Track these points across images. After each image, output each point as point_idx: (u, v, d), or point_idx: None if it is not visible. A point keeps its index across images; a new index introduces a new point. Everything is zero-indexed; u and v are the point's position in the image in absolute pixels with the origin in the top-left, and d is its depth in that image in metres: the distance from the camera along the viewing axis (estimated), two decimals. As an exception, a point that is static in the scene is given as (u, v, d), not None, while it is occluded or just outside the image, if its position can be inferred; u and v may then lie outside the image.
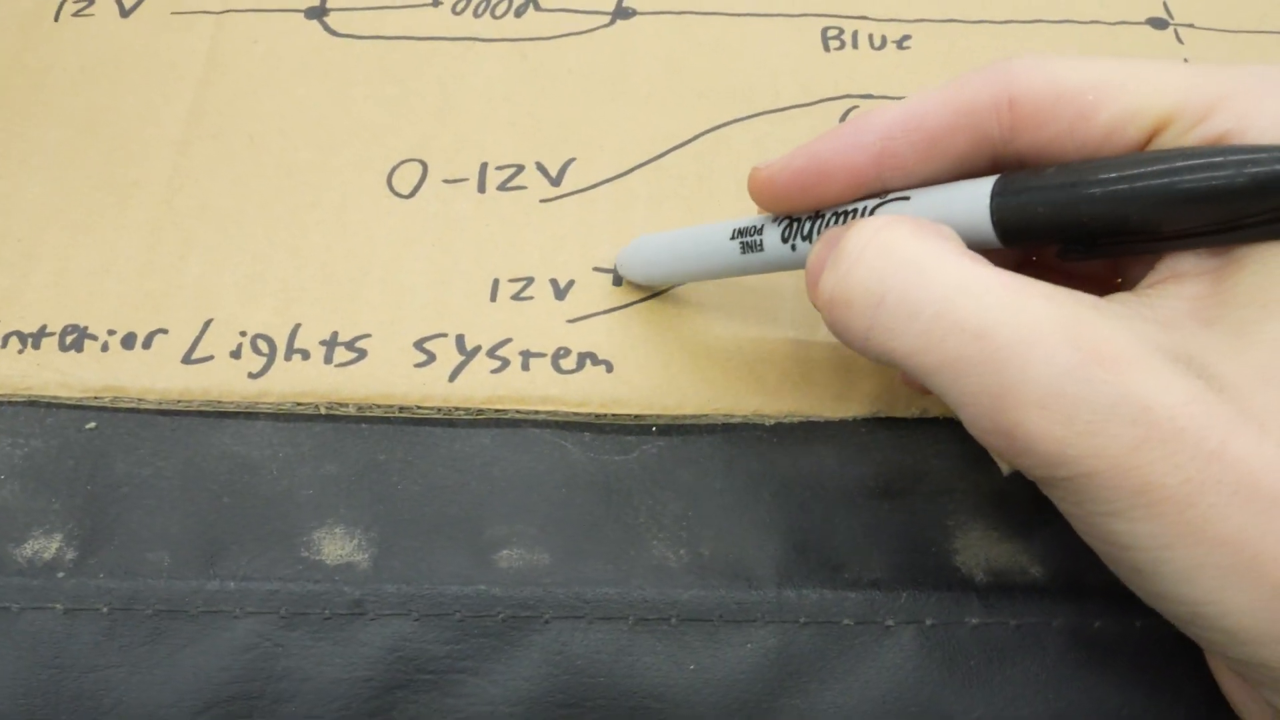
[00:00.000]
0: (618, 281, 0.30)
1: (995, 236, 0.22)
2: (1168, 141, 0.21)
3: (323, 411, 0.28)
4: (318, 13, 0.37)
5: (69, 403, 0.28)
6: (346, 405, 0.28)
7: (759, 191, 0.25)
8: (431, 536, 0.26)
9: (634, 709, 0.24)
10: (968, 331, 0.20)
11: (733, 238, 0.27)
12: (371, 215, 0.32)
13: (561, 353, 0.29)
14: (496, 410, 0.28)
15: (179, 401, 0.28)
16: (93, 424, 0.28)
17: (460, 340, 0.29)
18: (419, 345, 0.29)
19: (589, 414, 0.28)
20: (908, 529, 0.26)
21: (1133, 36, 0.37)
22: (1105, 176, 0.21)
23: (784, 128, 0.34)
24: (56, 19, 0.37)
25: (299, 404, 0.28)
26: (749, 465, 0.27)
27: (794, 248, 0.25)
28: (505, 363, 0.29)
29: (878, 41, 0.36)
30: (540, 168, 0.33)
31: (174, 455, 0.28)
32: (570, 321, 0.30)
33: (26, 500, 0.27)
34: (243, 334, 0.29)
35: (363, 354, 0.29)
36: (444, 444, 0.28)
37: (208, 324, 0.30)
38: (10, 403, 0.28)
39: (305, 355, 0.29)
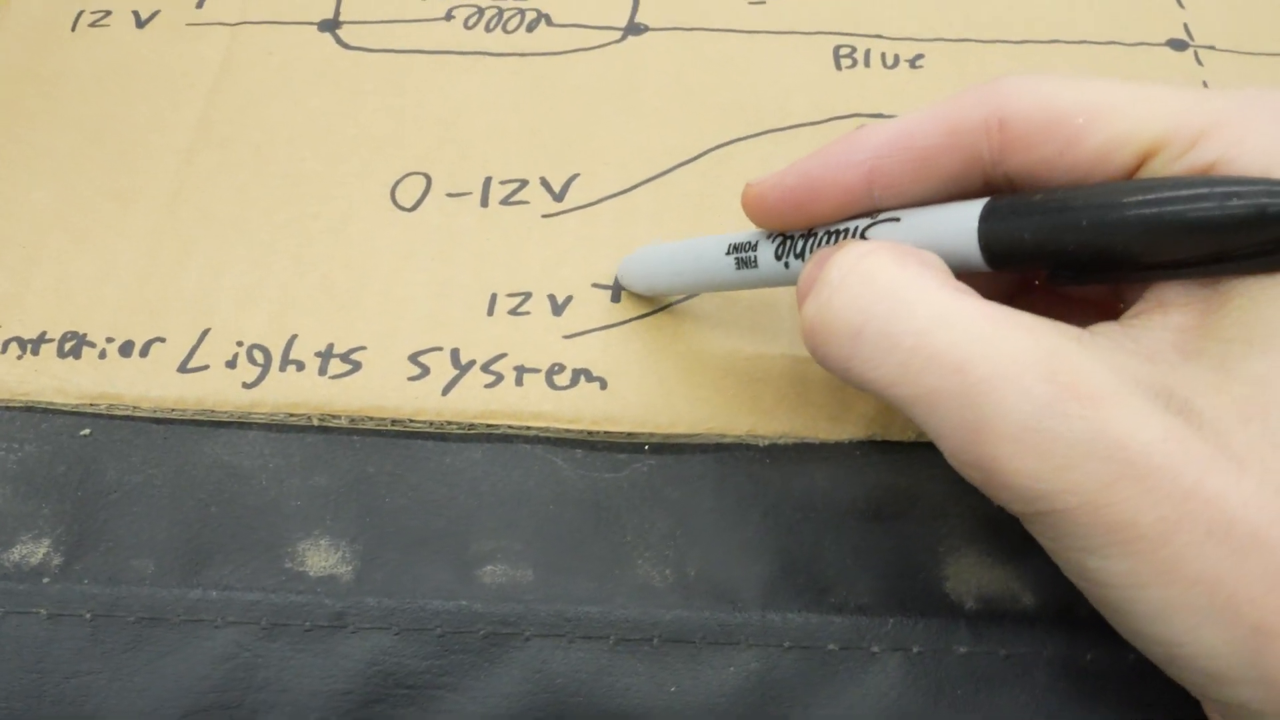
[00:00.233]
0: (616, 298, 0.30)
1: (983, 261, 0.22)
2: (1157, 168, 0.20)
3: (315, 423, 0.28)
4: (331, 25, 0.37)
5: (65, 409, 0.28)
6: (339, 417, 0.28)
7: (751, 208, 0.25)
8: (416, 550, 0.26)
9: (613, 730, 0.24)
10: (945, 364, 0.20)
11: (728, 253, 0.26)
12: (373, 227, 0.32)
13: (556, 368, 0.29)
14: (488, 425, 0.28)
15: (173, 410, 0.28)
16: (87, 430, 0.28)
17: (455, 354, 0.29)
18: (414, 358, 0.29)
19: (581, 431, 0.28)
20: (898, 553, 0.26)
21: (1151, 58, 0.36)
22: (1090, 205, 0.20)
23: (792, 146, 0.34)
24: (73, 29, 0.37)
25: (291, 415, 0.28)
26: (740, 485, 0.27)
27: (787, 265, 0.25)
28: (499, 378, 0.29)
29: (890, 60, 0.36)
30: (544, 183, 0.33)
31: (165, 463, 0.28)
32: (566, 337, 0.29)
33: (17, 505, 0.27)
34: (239, 344, 0.29)
35: (357, 366, 0.29)
36: (434, 458, 0.28)
37: (205, 333, 0.30)
38: (8, 408, 0.28)
39: (300, 366, 0.29)
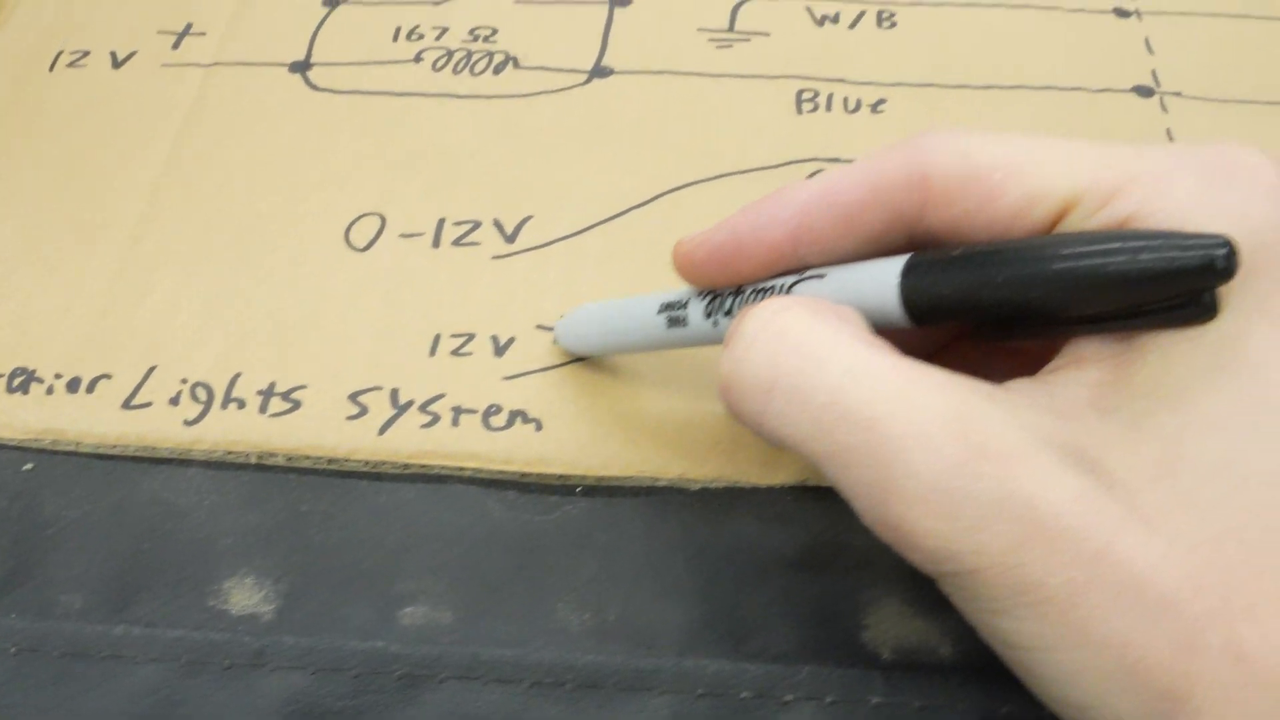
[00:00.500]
0: (558, 339, 0.30)
1: (905, 316, 0.22)
2: (1074, 222, 0.20)
3: (254, 461, 0.29)
4: (301, 67, 0.38)
5: (10, 444, 0.29)
6: (276, 455, 0.29)
7: (682, 266, 0.25)
8: (340, 590, 0.26)
9: (526, 775, 0.24)
10: (856, 422, 0.19)
11: (660, 311, 0.26)
12: (325, 267, 0.32)
13: (493, 409, 0.29)
14: (422, 465, 0.28)
15: (115, 446, 0.29)
16: (30, 465, 0.29)
17: (394, 394, 0.29)
18: (353, 398, 0.29)
19: (514, 472, 0.28)
20: (820, 602, 0.26)
21: (1116, 104, 0.36)
22: (1008, 260, 0.20)
23: (748, 189, 0.34)
24: (51, 69, 0.38)
25: (230, 452, 0.29)
26: (668, 530, 0.27)
27: (716, 323, 0.25)
28: (436, 418, 0.29)
29: (852, 105, 0.36)
30: (497, 224, 0.33)
31: (104, 499, 0.28)
32: (506, 378, 0.29)
33: (-46, 538, 0.27)
34: (184, 381, 0.30)
35: (297, 405, 0.29)
36: (368, 497, 0.28)
37: (151, 370, 0.30)
38: (-45, 441, 0.29)
39: (241, 404, 0.29)
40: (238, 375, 0.30)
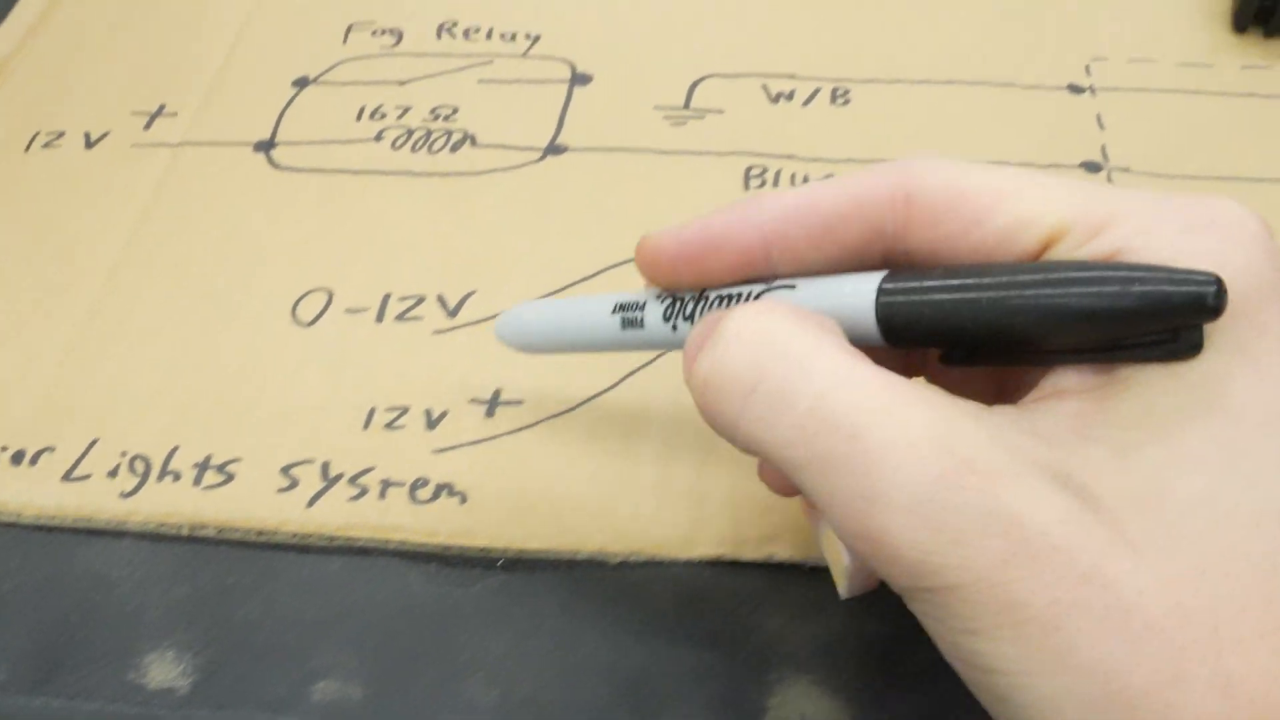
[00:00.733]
0: (490, 413, 0.31)
1: (879, 334, 0.21)
2: (1061, 253, 0.20)
3: (186, 533, 0.29)
4: (266, 146, 0.39)
5: (-47, 516, 0.30)
6: (208, 527, 0.29)
7: (646, 261, 0.24)
8: (257, 664, 0.26)
9: None
10: (841, 429, 0.19)
11: (614, 311, 0.25)
12: (270, 342, 0.33)
13: (420, 482, 0.29)
14: (348, 538, 0.29)
15: (53, 518, 0.29)
16: (-30, 537, 0.29)
17: (325, 467, 0.30)
18: (285, 470, 0.30)
19: (438, 545, 0.28)
20: (729, 679, 0.26)
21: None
22: (992, 284, 0.20)
23: (690, 264, 0.34)
24: (27, 149, 0.39)
25: (164, 524, 0.29)
26: (585, 605, 0.27)
27: (675, 327, 0.24)
28: (364, 491, 0.29)
29: (800, 179, 0.36)
30: (440, 299, 0.33)
31: (38, 571, 0.29)
32: (436, 452, 0.30)
33: (-112, 609, 0.28)
34: (123, 454, 0.30)
35: (231, 477, 0.30)
36: (294, 570, 0.28)
37: (93, 443, 0.31)
38: (-100, 514, 0.30)
39: (176, 477, 0.30)
40: (176, 448, 0.30)
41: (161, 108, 0.40)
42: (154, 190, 0.37)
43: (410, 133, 0.39)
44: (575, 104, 0.39)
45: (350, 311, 0.33)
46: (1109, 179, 0.36)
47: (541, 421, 0.30)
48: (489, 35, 0.43)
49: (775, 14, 0.43)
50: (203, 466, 0.30)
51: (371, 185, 0.37)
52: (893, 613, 0.26)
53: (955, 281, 0.20)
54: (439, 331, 0.33)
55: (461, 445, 0.30)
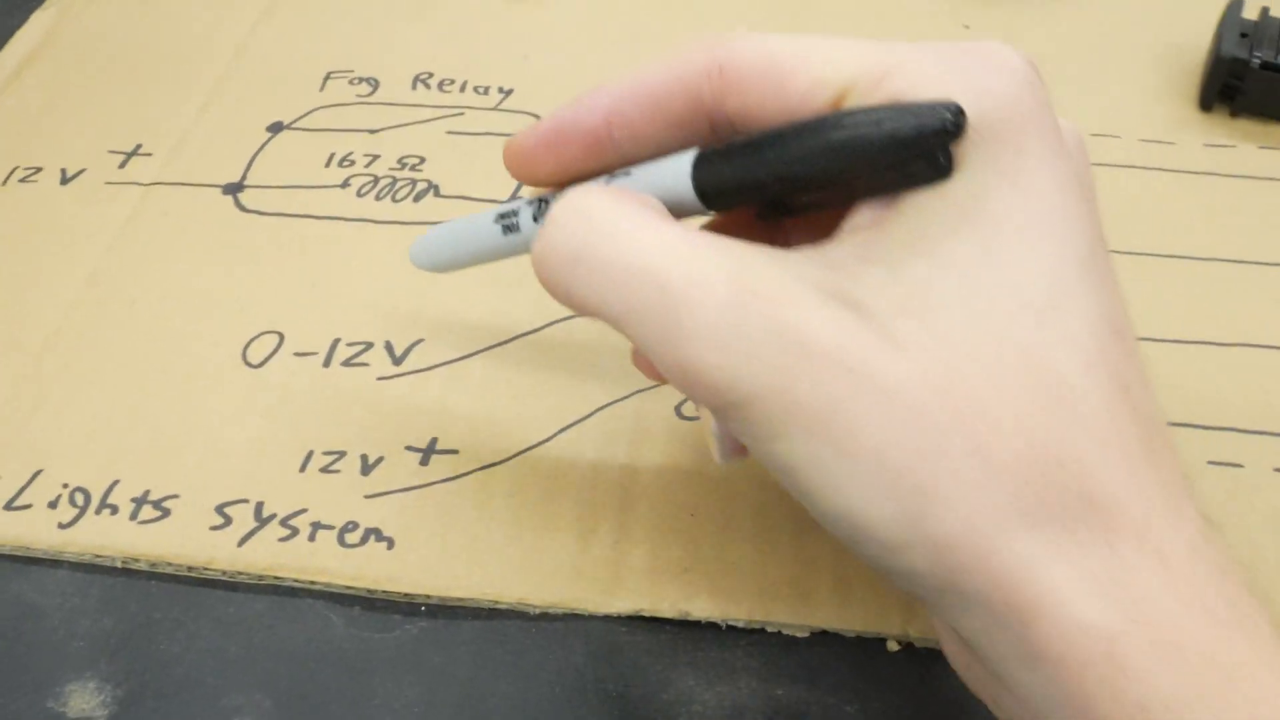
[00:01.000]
0: (425, 461, 0.31)
1: (699, 202, 0.24)
2: (849, 106, 0.22)
3: (119, 565, 0.30)
4: (234, 189, 0.40)
5: (-107, 540, 0.30)
6: (140, 561, 0.30)
7: (510, 159, 0.27)
8: (172, 700, 0.27)
9: None
10: (647, 278, 0.21)
11: (496, 220, 0.28)
12: (218, 382, 0.33)
13: (350, 526, 0.30)
14: (276, 578, 0.29)
15: (-7, 545, 0.30)
16: (-91, 561, 0.30)
17: (259, 507, 0.30)
18: (220, 509, 0.30)
19: (363, 589, 0.29)
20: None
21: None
22: (781, 139, 0.22)
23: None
24: (4, 184, 0.40)
25: (98, 556, 0.30)
26: (500, 655, 0.28)
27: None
28: (295, 532, 0.30)
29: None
30: (388, 346, 0.34)
31: (-29, 597, 0.29)
32: (368, 497, 0.30)
33: None
34: (65, 485, 0.31)
35: (166, 513, 0.30)
36: (219, 607, 0.29)
37: (36, 474, 0.31)
38: None
39: (114, 510, 0.30)
40: (116, 482, 0.31)
41: (138, 147, 0.41)
42: (120, 228, 0.38)
43: (376, 180, 0.40)
44: (540, 159, 0.40)
45: (299, 355, 0.34)
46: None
47: (474, 471, 0.31)
48: (463, 88, 0.44)
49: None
50: (140, 501, 0.31)
51: (333, 231, 0.38)
52: (804, 676, 0.27)
53: (753, 144, 0.23)
54: (382, 378, 0.33)
55: (393, 491, 0.31)
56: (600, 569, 0.29)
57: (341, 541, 0.30)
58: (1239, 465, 0.31)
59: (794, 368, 0.20)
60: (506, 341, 0.34)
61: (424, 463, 0.31)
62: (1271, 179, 0.40)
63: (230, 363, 0.34)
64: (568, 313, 0.34)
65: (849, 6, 0.47)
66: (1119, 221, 0.37)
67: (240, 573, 0.29)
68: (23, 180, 0.40)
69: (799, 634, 0.28)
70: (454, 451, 0.31)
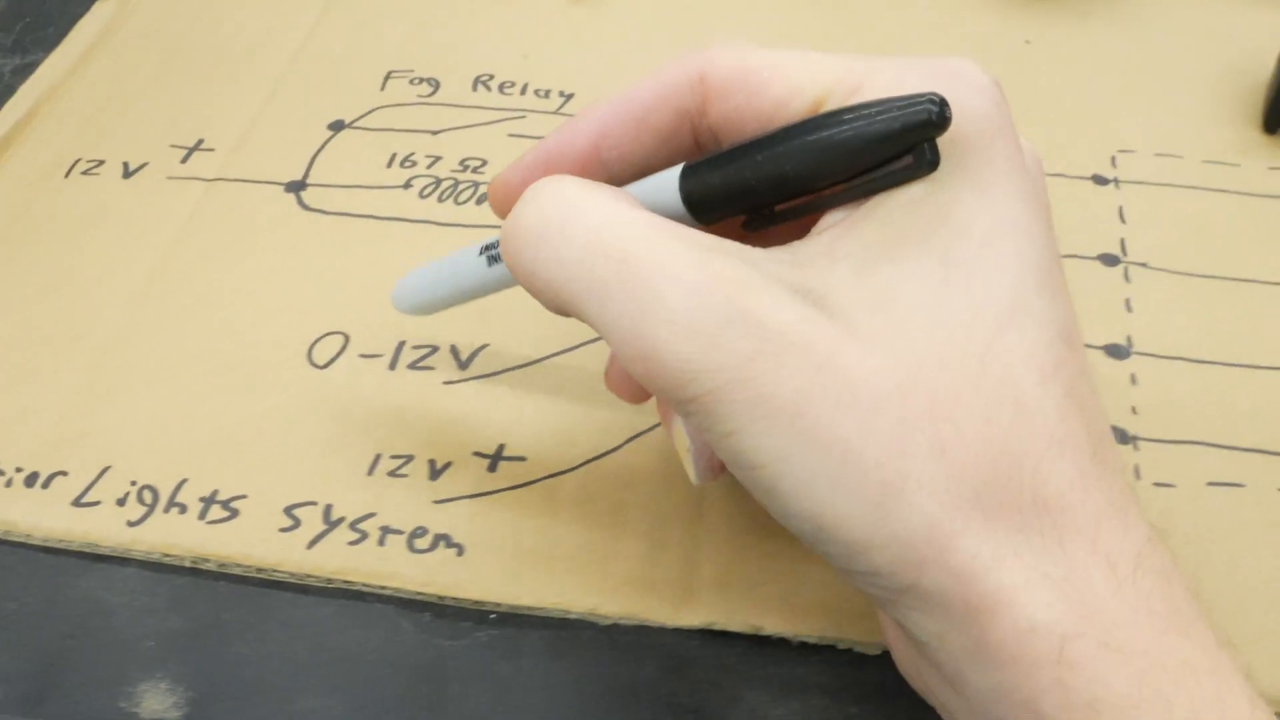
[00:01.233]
0: (493, 467, 0.31)
1: (688, 214, 0.24)
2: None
3: (188, 564, 0.30)
4: (297, 187, 0.40)
5: (-35, 532, 0.30)
6: (209, 561, 0.30)
7: (496, 198, 0.27)
8: (245, 702, 0.27)
9: None
10: (612, 257, 0.21)
11: (481, 253, 0.27)
12: (284, 382, 0.33)
13: (419, 532, 0.30)
14: (345, 582, 0.29)
15: (61, 541, 0.30)
16: (-19, 554, 0.30)
17: (328, 510, 0.30)
18: (289, 510, 0.30)
19: (433, 595, 0.29)
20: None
21: (1079, 269, 0.36)
22: (764, 145, 0.23)
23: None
24: (67, 175, 0.40)
25: (167, 555, 0.30)
26: (571, 665, 0.27)
27: None
28: (364, 536, 0.30)
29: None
30: (453, 350, 0.34)
31: (41, 592, 0.29)
32: (436, 502, 0.30)
33: (-110, 622, 0.28)
34: (133, 483, 0.31)
35: (235, 513, 0.30)
36: (288, 609, 0.29)
37: (105, 470, 0.31)
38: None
39: (183, 509, 0.30)
40: (184, 481, 0.31)
41: (200, 142, 0.41)
42: (183, 223, 0.38)
43: (438, 182, 0.40)
44: (602, 164, 0.40)
45: (364, 357, 0.34)
46: (1126, 274, 0.36)
47: (542, 479, 0.31)
48: (524, 90, 0.43)
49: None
50: (209, 501, 0.30)
51: (396, 232, 0.38)
52: (874, 693, 0.27)
53: (736, 152, 0.23)
54: (449, 382, 0.33)
55: (462, 497, 0.30)
56: (672, 581, 0.29)
57: (411, 547, 0.29)
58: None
59: (758, 359, 0.20)
60: (573, 348, 0.34)
61: (492, 469, 0.31)
62: (1338, 203, 0.40)
63: (295, 362, 0.34)
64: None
65: (908, 22, 0.47)
66: (1188, 244, 0.37)
67: (310, 575, 0.29)
68: (85, 173, 0.40)
69: (871, 651, 0.28)
70: (522, 459, 0.31)
